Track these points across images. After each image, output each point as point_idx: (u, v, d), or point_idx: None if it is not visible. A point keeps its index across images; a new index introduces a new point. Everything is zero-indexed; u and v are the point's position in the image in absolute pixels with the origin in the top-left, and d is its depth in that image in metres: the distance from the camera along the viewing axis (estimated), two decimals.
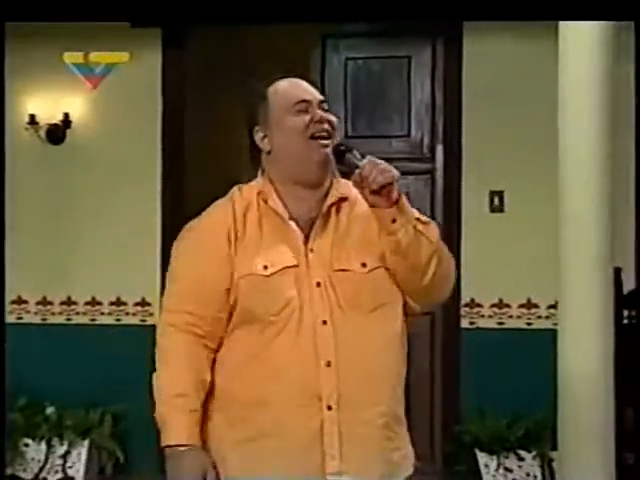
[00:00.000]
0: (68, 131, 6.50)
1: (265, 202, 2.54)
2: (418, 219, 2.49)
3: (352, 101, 6.47)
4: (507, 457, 5.87)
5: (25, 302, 6.57)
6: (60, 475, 6.16)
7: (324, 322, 2.45)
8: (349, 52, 6.55)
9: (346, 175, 2.52)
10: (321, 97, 2.58)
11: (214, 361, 2.52)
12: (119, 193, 6.48)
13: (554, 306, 5.62)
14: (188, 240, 2.59)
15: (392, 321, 2.53)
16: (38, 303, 6.58)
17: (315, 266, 2.49)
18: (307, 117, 2.52)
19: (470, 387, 6.12)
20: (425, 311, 2.64)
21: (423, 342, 6.11)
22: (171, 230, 6.32)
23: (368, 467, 2.48)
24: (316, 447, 2.44)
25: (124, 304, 6.49)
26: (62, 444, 6.15)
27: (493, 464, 5.88)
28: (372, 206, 2.44)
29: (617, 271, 4.97)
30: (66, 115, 6.48)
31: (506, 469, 5.87)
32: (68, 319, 6.56)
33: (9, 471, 5.98)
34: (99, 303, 6.53)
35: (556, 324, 4.88)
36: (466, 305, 6.23)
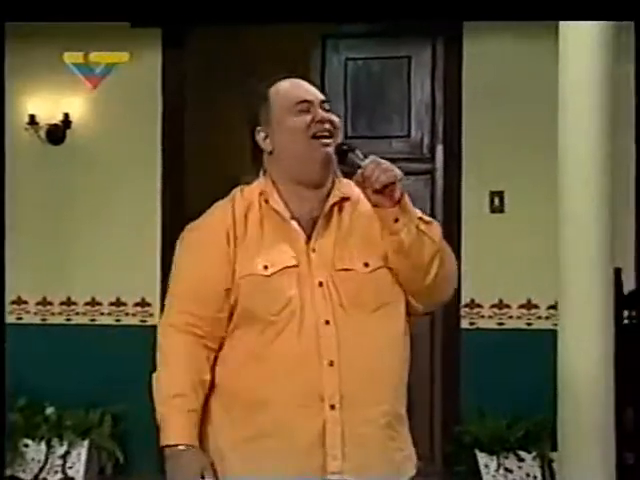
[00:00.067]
0: (68, 131, 6.50)
1: (267, 202, 2.54)
2: (421, 218, 2.50)
3: (352, 101, 6.47)
4: (507, 457, 5.87)
5: (25, 302, 6.57)
6: (60, 475, 6.16)
7: (327, 322, 2.45)
8: (349, 52, 6.55)
9: (348, 175, 2.52)
10: (323, 97, 2.58)
11: (215, 361, 2.52)
12: (119, 193, 6.48)
13: (554, 306, 5.62)
14: (188, 241, 2.60)
15: (395, 321, 2.53)
16: (38, 303, 6.58)
17: (317, 266, 2.49)
18: (309, 117, 2.52)
19: (470, 387, 6.12)
20: (428, 311, 2.64)
21: (423, 342, 6.10)
22: (171, 230, 6.32)
23: (370, 467, 2.48)
24: (318, 447, 2.44)
25: (124, 304, 6.49)
26: (62, 444, 6.15)
27: (493, 464, 5.88)
28: (375, 206, 2.44)
29: (617, 271, 4.97)
30: (66, 115, 6.47)
31: (506, 470, 5.87)
32: (68, 319, 6.56)
33: (9, 472, 5.98)
34: (99, 303, 6.53)
35: (556, 324, 4.87)
36: (466, 305, 6.23)
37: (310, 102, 2.54)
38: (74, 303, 6.55)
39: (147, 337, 6.26)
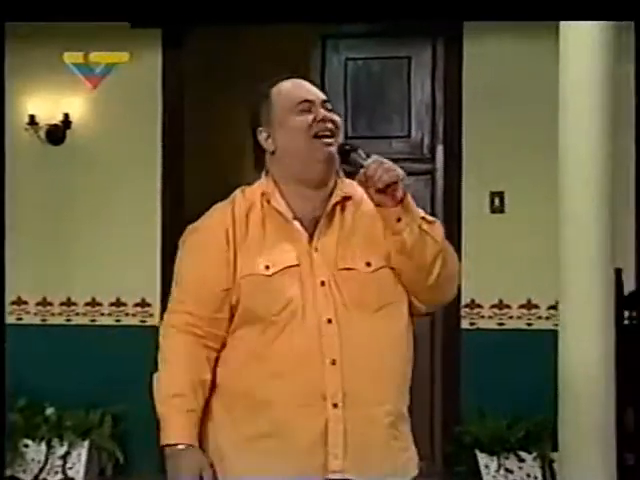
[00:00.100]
0: (68, 131, 6.50)
1: (268, 202, 2.55)
2: (423, 218, 2.50)
3: (352, 102, 6.46)
4: (507, 458, 5.86)
5: (25, 303, 6.56)
6: (60, 476, 6.15)
7: (329, 320, 2.45)
8: (349, 52, 6.54)
9: (351, 175, 2.52)
10: (324, 97, 2.59)
11: (217, 360, 2.53)
12: (119, 193, 6.47)
13: (554, 307, 5.62)
14: (189, 243, 2.61)
15: (397, 320, 2.53)
16: (38, 304, 6.57)
17: (319, 265, 2.49)
18: (310, 116, 2.53)
19: (470, 388, 6.11)
20: (430, 311, 2.65)
21: (423, 343, 6.08)
22: (171, 230, 6.32)
23: (373, 466, 2.48)
24: (320, 446, 2.44)
25: (124, 305, 6.48)
26: (62, 445, 6.14)
27: (493, 465, 5.87)
28: (377, 205, 2.45)
29: (618, 272, 4.97)
30: (66, 116, 6.47)
31: (506, 470, 5.86)
32: (68, 320, 6.55)
33: (9, 472, 5.98)
34: (99, 304, 6.52)
35: (556, 325, 4.87)
36: (466, 306, 6.23)
37: (312, 102, 2.55)
38: (74, 303, 6.55)
39: (147, 337, 6.26)
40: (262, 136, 2.57)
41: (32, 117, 6.46)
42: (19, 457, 6.12)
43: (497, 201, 6.24)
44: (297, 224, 2.52)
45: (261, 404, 2.46)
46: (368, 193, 2.44)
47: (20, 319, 6.52)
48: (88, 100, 6.49)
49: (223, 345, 2.53)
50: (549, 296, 5.83)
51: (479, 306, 6.24)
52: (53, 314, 6.56)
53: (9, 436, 5.64)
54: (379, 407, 2.48)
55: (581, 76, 4.53)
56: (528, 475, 5.86)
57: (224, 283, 2.49)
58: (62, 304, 6.56)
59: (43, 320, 6.57)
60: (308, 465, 2.44)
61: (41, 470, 6.16)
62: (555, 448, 5.09)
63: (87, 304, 6.54)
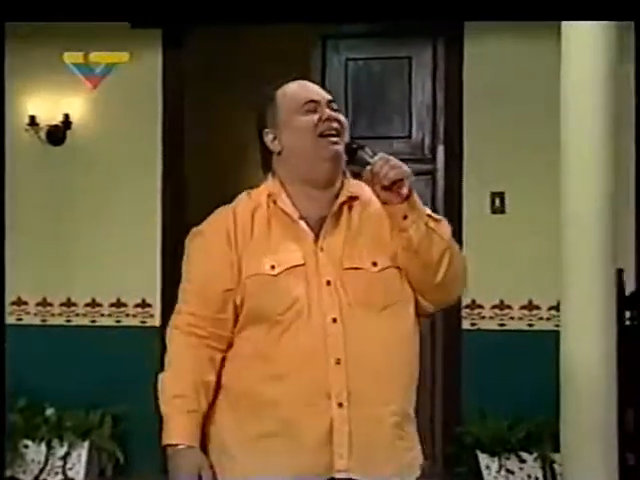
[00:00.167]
0: (68, 132, 6.49)
1: (274, 203, 2.56)
2: (430, 216, 2.51)
3: (353, 102, 6.45)
4: (508, 459, 5.86)
5: (25, 303, 6.56)
6: (60, 477, 6.15)
7: (334, 320, 2.46)
8: (349, 53, 6.53)
9: (358, 176, 2.53)
10: (330, 97, 2.61)
11: (223, 361, 2.54)
12: (119, 193, 6.47)
13: (555, 307, 5.61)
14: (192, 245, 2.62)
15: (403, 320, 2.54)
16: (38, 304, 6.57)
17: (325, 264, 2.50)
18: (316, 116, 2.54)
19: (471, 388, 6.11)
20: (438, 310, 2.66)
21: (424, 343, 6.01)
22: (171, 230, 6.32)
23: (377, 466, 2.48)
24: (325, 445, 2.44)
25: (124, 305, 6.47)
26: (62, 445, 6.14)
27: (494, 466, 5.87)
28: (384, 203, 2.46)
29: (619, 272, 4.96)
30: (66, 116, 6.46)
31: (507, 471, 5.86)
32: (68, 320, 6.55)
33: (9, 473, 5.97)
34: (99, 304, 6.51)
35: (557, 325, 4.86)
36: (467, 306, 6.22)
37: (317, 102, 2.57)
38: (74, 304, 6.54)
39: (147, 338, 6.26)
40: (268, 137, 2.58)
41: (32, 118, 6.45)
42: (19, 458, 6.11)
43: (498, 201, 6.23)
44: (303, 224, 2.53)
45: (267, 404, 2.47)
46: (374, 190, 2.46)
47: (20, 319, 6.51)
48: (88, 100, 6.49)
49: (229, 345, 2.54)
50: (550, 297, 5.82)
51: (480, 307, 6.24)
52: (53, 314, 6.55)
53: (9, 437, 5.63)
54: (384, 407, 2.48)
55: (583, 76, 4.53)
56: (529, 476, 5.85)
57: (227, 283, 2.50)
58: (62, 304, 6.55)
59: (43, 321, 6.56)
60: (313, 464, 2.45)
61: (41, 471, 6.15)
62: (556, 449, 5.09)
63: (87, 304, 6.53)
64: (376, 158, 2.45)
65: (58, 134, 6.49)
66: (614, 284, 4.69)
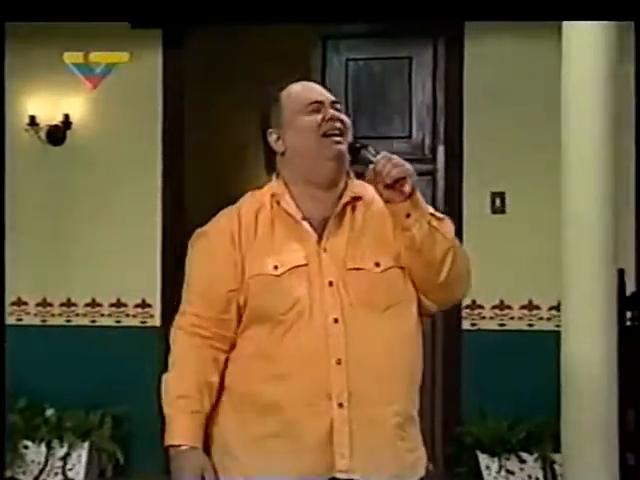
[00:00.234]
0: (68, 132, 6.49)
1: (278, 204, 2.57)
2: (433, 215, 2.51)
3: (353, 102, 6.45)
4: (509, 459, 5.85)
5: (25, 304, 6.55)
6: (60, 477, 6.14)
7: (335, 320, 2.46)
8: (350, 53, 6.53)
9: (362, 176, 2.53)
10: (333, 98, 2.62)
11: (227, 361, 2.55)
12: (119, 193, 6.47)
13: (556, 307, 5.61)
14: (196, 246, 2.63)
15: (406, 320, 2.54)
16: (38, 305, 6.56)
17: (328, 265, 2.50)
18: (319, 116, 2.56)
19: (471, 389, 6.10)
20: (441, 310, 2.67)
21: (424, 344, 6.06)
22: (171, 230, 6.32)
23: (379, 467, 2.48)
24: (326, 446, 2.45)
25: (124, 305, 6.47)
26: (62, 446, 6.13)
27: (494, 466, 5.86)
28: (386, 201, 2.46)
29: (620, 272, 4.96)
30: (66, 116, 6.46)
31: (508, 471, 5.85)
32: (68, 320, 6.54)
33: (9, 473, 5.97)
34: (99, 305, 6.51)
35: (558, 326, 4.86)
36: (467, 307, 6.22)
37: (321, 102, 2.58)
38: (74, 304, 6.54)
39: (147, 338, 6.26)
40: (272, 138, 2.60)
41: (32, 118, 6.45)
42: (19, 458, 6.10)
43: (498, 201, 6.23)
44: (306, 224, 2.54)
45: (269, 404, 2.47)
46: (377, 189, 2.46)
47: (20, 320, 6.51)
48: (88, 100, 6.49)
49: (232, 346, 2.55)
50: (550, 297, 5.82)
51: (480, 307, 6.23)
52: (53, 315, 6.55)
53: (9, 437, 5.63)
54: (386, 407, 2.48)
55: (584, 76, 4.53)
56: (529, 476, 5.85)
57: (230, 284, 2.51)
58: (62, 305, 6.55)
59: (43, 321, 6.56)
60: (315, 464, 2.45)
61: (41, 471, 6.14)
62: (556, 449, 5.08)
63: (87, 305, 6.53)
64: (379, 157, 2.46)
65: (58, 134, 6.49)
66: (615, 284, 4.69)
